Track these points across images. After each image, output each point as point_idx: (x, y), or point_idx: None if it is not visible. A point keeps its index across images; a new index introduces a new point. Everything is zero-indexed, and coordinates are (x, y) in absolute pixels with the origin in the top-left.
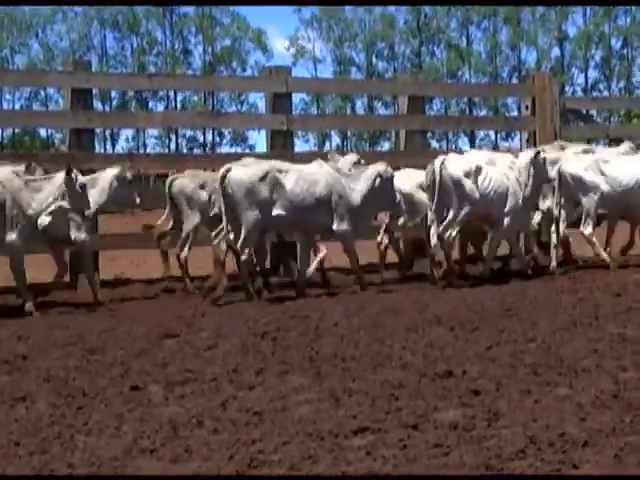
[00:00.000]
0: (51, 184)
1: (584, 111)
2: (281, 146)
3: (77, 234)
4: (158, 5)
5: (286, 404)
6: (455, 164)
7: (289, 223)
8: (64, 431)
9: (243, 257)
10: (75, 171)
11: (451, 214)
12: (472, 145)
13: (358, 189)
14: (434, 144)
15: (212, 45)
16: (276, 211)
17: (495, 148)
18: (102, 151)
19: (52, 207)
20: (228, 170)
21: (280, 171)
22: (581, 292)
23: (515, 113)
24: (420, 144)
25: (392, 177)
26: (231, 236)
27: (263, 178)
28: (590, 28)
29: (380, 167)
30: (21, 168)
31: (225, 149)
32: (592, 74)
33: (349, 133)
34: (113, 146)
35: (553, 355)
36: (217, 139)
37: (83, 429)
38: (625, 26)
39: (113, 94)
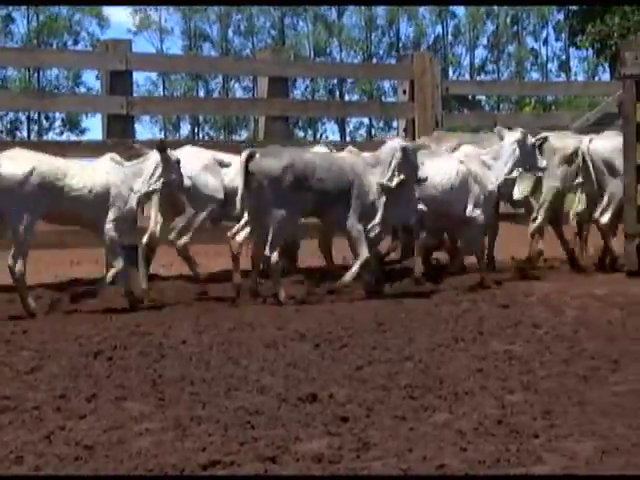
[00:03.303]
0: None
1: (470, 97)
2: (120, 133)
3: None
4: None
5: (123, 435)
6: (603, 143)
7: None
8: None
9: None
10: None
11: (606, 197)
12: (342, 134)
13: None
14: (299, 133)
15: (37, 12)
16: None
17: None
18: None
19: None
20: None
21: None
22: (464, 303)
23: (393, 98)
24: (281, 132)
25: None
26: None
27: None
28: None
29: None
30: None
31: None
32: (480, 53)
33: (201, 119)
34: None
35: (432, 376)
36: (45, 124)
37: None
38: None
39: None
